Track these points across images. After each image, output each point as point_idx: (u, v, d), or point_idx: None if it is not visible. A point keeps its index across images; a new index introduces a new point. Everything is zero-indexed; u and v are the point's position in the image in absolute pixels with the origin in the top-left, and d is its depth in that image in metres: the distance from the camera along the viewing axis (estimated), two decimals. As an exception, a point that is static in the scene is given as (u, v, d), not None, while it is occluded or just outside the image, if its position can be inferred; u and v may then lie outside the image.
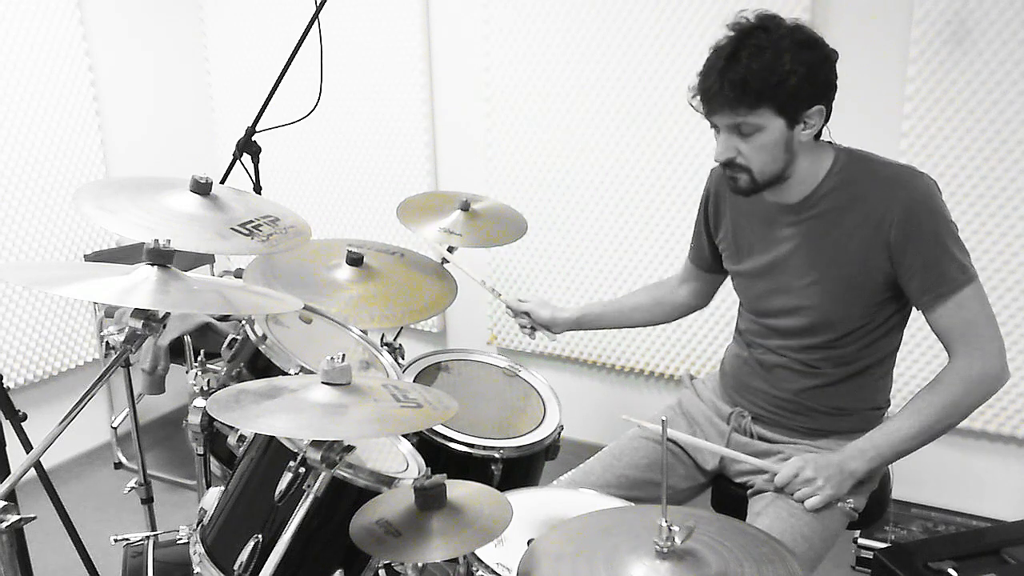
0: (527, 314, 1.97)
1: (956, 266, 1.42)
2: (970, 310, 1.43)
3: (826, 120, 1.47)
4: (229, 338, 1.70)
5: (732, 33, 1.41)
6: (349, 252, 1.90)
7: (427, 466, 1.51)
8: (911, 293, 1.46)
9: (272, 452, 1.39)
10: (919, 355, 2.47)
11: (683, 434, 1.66)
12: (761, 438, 1.65)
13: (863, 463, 1.48)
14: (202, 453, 1.69)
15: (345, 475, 1.32)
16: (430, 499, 1.18)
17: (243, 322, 1.67)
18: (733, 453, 1.61)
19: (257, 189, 2.12)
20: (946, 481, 2.57)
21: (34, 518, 1.19)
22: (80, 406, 1.17)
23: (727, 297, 1.94)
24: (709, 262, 1.80)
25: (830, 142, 1.54)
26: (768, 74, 1.36)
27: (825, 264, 1.50)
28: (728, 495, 1.69)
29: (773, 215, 1.56)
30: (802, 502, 1.48)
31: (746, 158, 1.45)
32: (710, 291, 1.88)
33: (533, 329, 1.99)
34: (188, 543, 1.47)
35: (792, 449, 1.60)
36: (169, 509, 2.70)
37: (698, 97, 1.45)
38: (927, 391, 1.47)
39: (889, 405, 1.65)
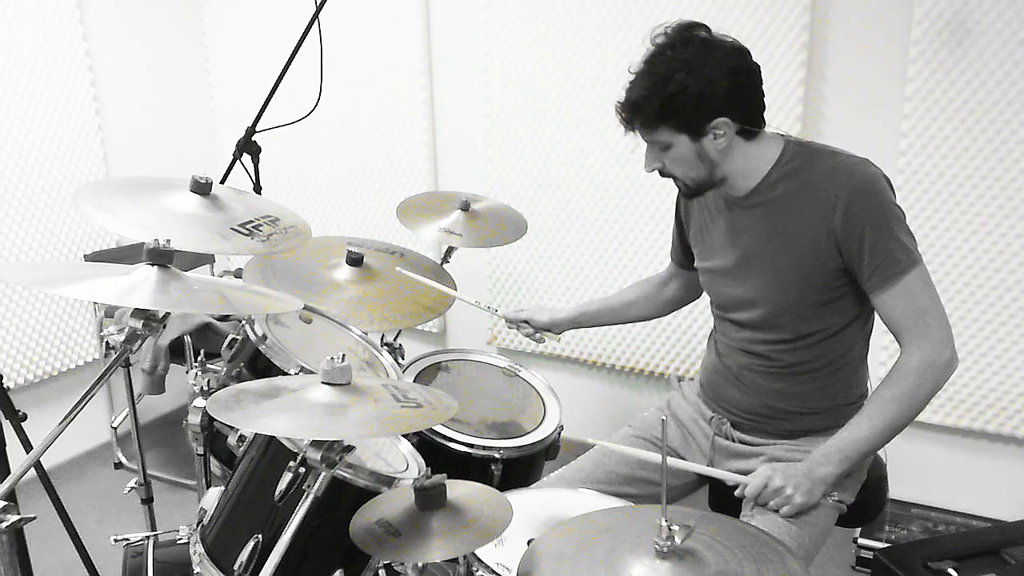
0: (527, 322, 1.99)
1: (901, 248, 1.43)
2: (917, 297, 1.44)
3: (749, 125, 1.47)
4: (229, 338, 1.70)
5: (646, 52, 1.46)
6: (349, 252, 1.90)
7: (427, 466, 1.51)
8: (859, 276, 1.47)
9: (272, 452, 1.39)
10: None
11: (647, 453, 1.64)
12: (742, 442, 1.66)
13: (832, 467, 1.48)
14: (202, 453, 1.69)
15: (345, 475, 1.32)
16: (430, 499, 1.18)
17: (243, 322, 1.67)
18: (707, 470, 1.61)
19: (257, 189, 2.12)
20: (946, 481, 2.57)
21: (34, 518, 1.19)
22: (80, 406, 1.17)
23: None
24: (684, 260, 1.84)
25: (781, 134, 1.56)
26: (653, 97, 1.42)
27: (774, 254, 1.52)
28: (724, 495, 1.69)
29: (728, 209, 1.59)
30: (777, 511, 1.48)
31: (669, 169, 1.53)
32: (697, 286, 1.89)
33: (537, 332, 2.01)
34: (188, 543, 1.47)
35: (773, 450, 1.61)
36: (169, 509, 2.70)
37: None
38: (884, 387, 1.48)
39: (865, 398, 1.65)
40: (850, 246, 1.45)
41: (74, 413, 1.16)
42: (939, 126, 2.33)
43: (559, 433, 1.89)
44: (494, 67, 2.89)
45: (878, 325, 1.59)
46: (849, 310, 1.54)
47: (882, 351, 2.48)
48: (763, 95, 1.49)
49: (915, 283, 1.44)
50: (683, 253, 1.82)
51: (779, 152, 1.52)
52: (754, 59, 1.47)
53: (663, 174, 1.54)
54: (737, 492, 1.54)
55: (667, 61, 1.41)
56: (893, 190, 1.47)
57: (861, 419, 1.48)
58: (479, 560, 1.25)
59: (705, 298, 1.81)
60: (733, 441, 1.66)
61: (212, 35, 3.41)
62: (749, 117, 1.47)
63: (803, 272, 1.50)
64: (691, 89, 1.40)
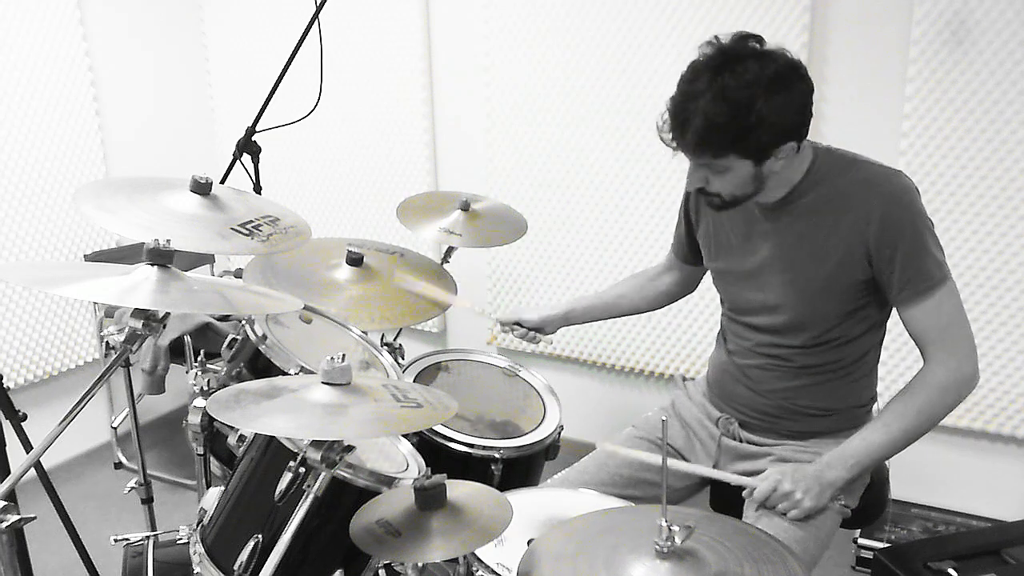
0: (518, 323, 1.95)
1: (934, 263, 1.42)
2: (947, 312, 1.43)
3: (803, 139, 1.42)
4: (229, 338, 1.70)
5: (701, 66, 1.35)
6: (349, 252, 1.90)
7: (427, 466, 1.51)
8: (889, 290, 1.45)
9: (272, 452, 1.39)
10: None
11: (649, 455, 1.62)
12: (750, 442, 1.65)
13: (842, 471, 1.47)
14: (202, 453, 1.69)
15: (345, 475, 1.32)
16: (430, 499, 1.18)
17: (243, 322, 1.67)
18: (713, 472, 1.61)
19: (257, 189, 2.12)
20: (946, 481, 2.57)
21: (34, 518, 1.19)
22: (80, 406, 1.16)
23: (727, 297, 1.94)
24: (688, 255, 1.81)
25: (809, 140, 1.51)
26: (733, 126, 1.32)
27: (802, 263, 1.51)
28: (726, 495, 1.69)
29: (752, 213, 1.56)
30: (784, 515, 1.48)
31: (715, 188, 1.44)
32: (694, 280, 1.89)
33: (530, 332, 1.97)
34: (188, 543, 1.47)
35: (781, 451, 1.61)
36: (169, 509, 2.71)
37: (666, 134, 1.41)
38: (905, 396, 1.47)
39: (875, 401, 1.65)
40: (882, 259, 1.43)
41: (74, 413, 1.16)
42: (939, 126, 2.33)
43: (559, 433, 1.89)
44: (494, 67, 2.89)
45: (887, 329, 1.59)
46: (870, 319, 1.53)
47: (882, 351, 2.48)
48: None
49: (945, 298, 1.42)
50: (688, 249, 1.80)
51: (810, 160, 1.49)
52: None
53: (702, 192, 1.47)
54: (745, 494, 1.54)
55: (742, 86, 1.30)
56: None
57: (876, 426, 1.48)
58: (479, 560, 1.25)
59: (705, 297, 1.81)
60: (740, 441, 1.66)
61: (212, 35, 3.41)
62: (805, 135, 1.42)
63: (830, 281, 1.48)
64: (771, 119, 1.32)
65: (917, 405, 1.45)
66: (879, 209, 1.41)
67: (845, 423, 1.55)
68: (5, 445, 1.70)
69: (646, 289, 1.93)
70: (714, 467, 1.68)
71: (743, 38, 1.36)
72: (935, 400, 1.44)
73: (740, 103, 1.31)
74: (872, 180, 1.44)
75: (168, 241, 1.18)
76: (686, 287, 1.91)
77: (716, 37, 1.37)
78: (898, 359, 2.46)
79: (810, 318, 1.53)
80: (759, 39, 1.37)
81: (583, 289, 2.95)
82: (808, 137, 1.47)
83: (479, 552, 1.25)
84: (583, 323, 2.02)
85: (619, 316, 2.00)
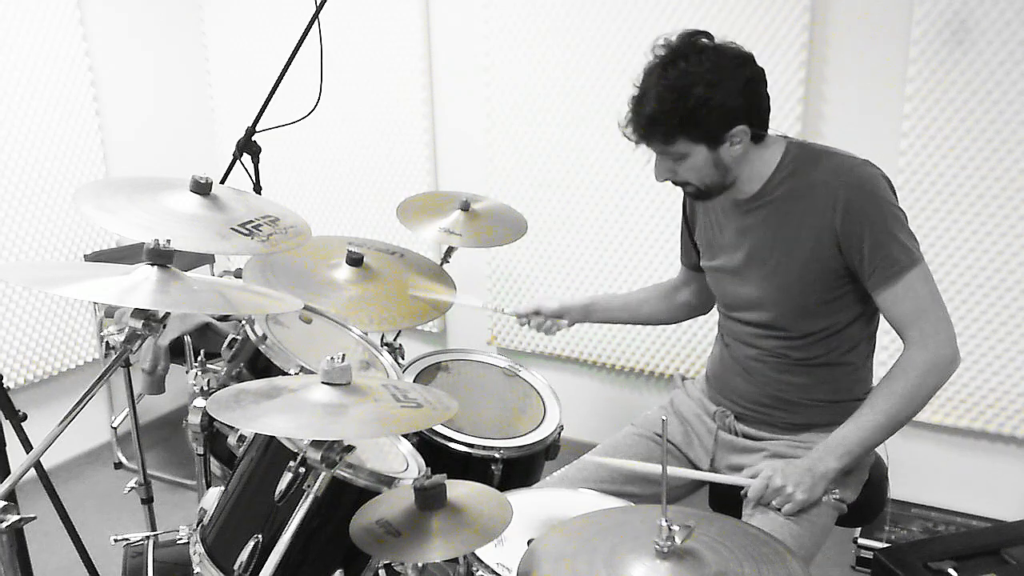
0: (537, 312, 1.91)
1: (900, 248, 1.44)
2: (919, 296, 1.45)
3: (760, 129, 1.49)
4: (229, 338, 1.70)
5: (652, 65, 1.46)
6: (349, 252, 1.90)
7: (427, 466, 1.51)
8: (860, 276, 1.48)
9: (272, 452, 1.39)
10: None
11: (644, 465, 1.61)
12: (745, 436, 1.67)
13: (833, 462, 1.49)
14: (202, 453, 1.69)
15: (345, 475, 1.32)
16: (430, 499, 1.18)
17: (243, 322, 1.67)
18: (709, 476, 1.63)
19: (257, 189, 2.12)
20: (946, 481, 2.57)
21: (34, 518, 1.19)
22: (80, 406, 1.16)
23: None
24: (694, 261, 1.82)
25: (784, 136, 1.57)
26: (673, 111, 1.42)
27: (778, 256, 1.54)
28: (725, 495, 1.69)
29: (732, 210, 1.60)
30: (779, 510, 1.49)
31: (683, 177, 1.52)
32: (710, 293, 1.88)
33: (548, 320, 1.92)
34: (188, 543, 1.47)
35: (775, 446, 1.62)
36: (169, 509, 2.70)
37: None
38: (887, 382, 1.49)
39: None
40: (850, 246, 1.46)
41: (74, 413, 1.16)
42: (939, 126, 2.33)
43: (559, 433, 1.89)
44: (494, 67, 2.89)
45: (881, 325, 1.60)
46: (851, 308, 1.54)
47: (882, 351, 2.48)
48: (770, 99, 1.50)
49: (916, 282, 1.45)
50: (694, 255, 1.81)
51: (781, 154, 1.53)
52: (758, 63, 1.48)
53: (675, 183, 1.55)
54: (740, 493, 1.54)
55: (683, 74, 1.41)
56: (894, 191, 1.48)
57: (862, 414, 1.49)
58: (479, 560, 1.25)
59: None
60: (736, 435, 1.67)
61: (212, 35, 3.41)
62: (762, 122, 1.49)
63: (805, 272, 1.51)
64: (713, 102, 1.41)
65: (900, 390, 1.47)
66: (843, 197, 1.45)
67: (839, 416, 1.56)
68: (5, 445, 1.70)
69: (666, 298, 1.94)
70: (711, 461, 1.70)
71: (690, 35, 1.46)
72: (916, 383, 1.46)
73: (681, 89, 1.41)
74: (837, 170, 1.48)
75: (168, 241, 1.18)
76: (703, 300, 1.90)
77: (665, 38, 1.48)
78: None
79: (791, 310, 1.55)
80: (708, 35, 1.46)
81: (584, 289, 2.94)
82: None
83: (479, 552, 1.25)
84: (601, 322, 2.02)
85: (638, 323, 2.02)
